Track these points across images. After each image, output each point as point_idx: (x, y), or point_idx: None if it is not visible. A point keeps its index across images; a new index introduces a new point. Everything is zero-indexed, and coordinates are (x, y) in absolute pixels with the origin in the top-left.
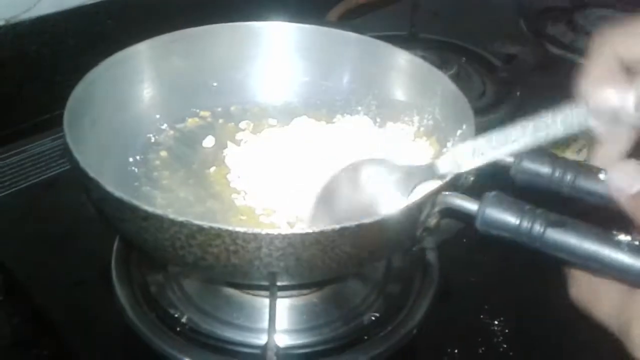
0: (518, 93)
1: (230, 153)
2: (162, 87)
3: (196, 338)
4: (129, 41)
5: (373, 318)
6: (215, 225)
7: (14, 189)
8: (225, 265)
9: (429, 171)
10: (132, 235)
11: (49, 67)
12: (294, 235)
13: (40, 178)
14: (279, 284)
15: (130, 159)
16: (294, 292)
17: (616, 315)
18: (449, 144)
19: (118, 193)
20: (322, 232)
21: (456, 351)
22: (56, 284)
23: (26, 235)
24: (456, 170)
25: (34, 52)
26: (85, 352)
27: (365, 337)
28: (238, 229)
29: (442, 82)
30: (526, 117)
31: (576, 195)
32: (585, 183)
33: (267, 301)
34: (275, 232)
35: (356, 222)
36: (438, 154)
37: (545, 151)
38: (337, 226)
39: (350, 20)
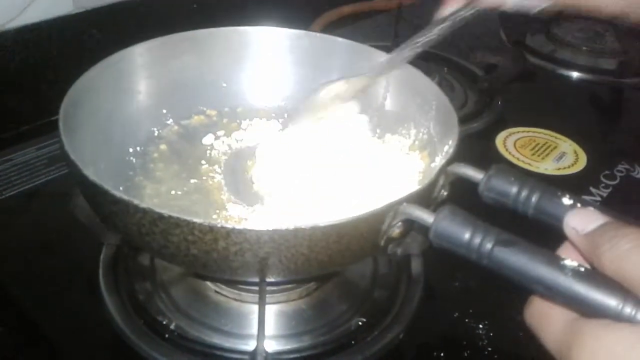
0: (499, 102)
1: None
2: (168, 84)
3: (184, 345)
4: (114, 50)
5: (360, 323)
6: (173, 214)
7: None
8: (186, 255)
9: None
10: (106, 219)
11: (34, 77)
12: (249, 231)
13: (26, 187)
14: (236, 278)
15: (130, 149)
16: (282, 298)
17: (559, 340)
18: (437, 159)
19: (92, 177)
20: (275, 231)
21: (442, 354)
22: (44, 292)
23: (12, 244)
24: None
25: (19, 62)
26: None
27: (353, 342)
28: (195, 220)
29: (437, 96)
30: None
31: (539, 217)
32: (548, 206)
33: (255, 307)
34: (230, 226)
35: (311, 224)
36: (427, 169)
37: (514, 171)
38: (292, 226)
39: (333, 31)
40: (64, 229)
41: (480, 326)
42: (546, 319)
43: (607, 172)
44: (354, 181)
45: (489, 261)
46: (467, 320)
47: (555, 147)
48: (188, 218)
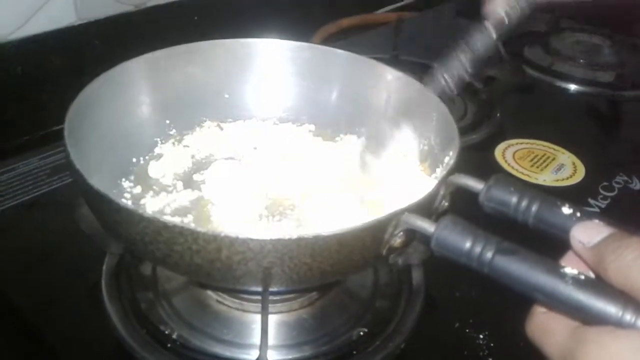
0: (498, 114)
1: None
2: (171, 95)
3: (186, 354)
4: (116, 62)
5: (362, 333)
6: (177, 223)
7: (1, 208)
8: (189, 264)
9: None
10: (109, 228)
11: (36, 87)
12: (252, 240)
13: (28, 197)
14: (240, 288)
15: (134, 160)
16: (284, 308)
17: (562, 350)
18: (438, 170)
19: (97, 186)
20: (279, 240)
21: None
22: (46, 302)
23: (15, 253)
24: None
25: (21, 73)
26: None
27: (354, 352)
28: (199, 229)
29: (438, 109)
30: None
31: (540, 226)
32: (548, 216)
33: (257, 317)
34: (233, 235)
35: (313, 234)
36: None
37: (514, 181)
38: (295, 235)
39: (333, 43)
40: (66, 239)
41: (481, 336)
42: (548, 331)
43: (605, 183)
44: (356, 191)
45: (489, 270)
46: (467, 330)
47: (553, 159)
48: (192, 227)
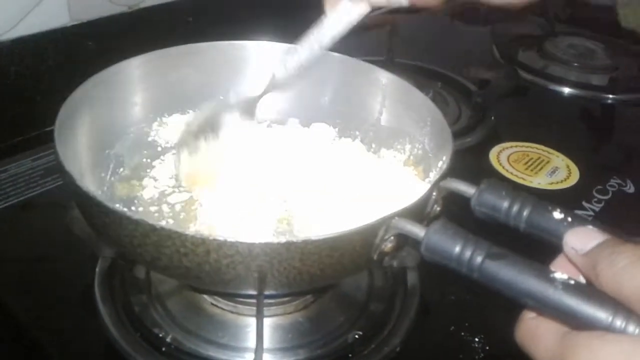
0: (492, 117)
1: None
2: (165, 96)
3: (181, 357)
4: (110, 62)
5: (357, 336)
6: (165, 226)
7: None
8: (178, 267)
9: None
10: (99, 231)
11: (29, 88)
12: (241, 243)
13: (21, 198)
14: (231, 291)
15: (126, 161)
16: (279, 311)
17: (552, 356)
18: (431, 174)
19: (86, 188)
20: (267, 244)
21: None
22: (39, 305)
23: (7, 255)
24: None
25: (14, 73)
26: None
27: (350, 355)
28: (187, 232)
29: (432, 112)
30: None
31: (531, 231)
32: (539, 221)
33: (251, 320)
34: (221, 238)
35: (303, 238)
36: (421, 184)
37: (506, 185)
38: (284, 239)
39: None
40: (59, 241)
41: (476, 339)
42: (537, 337)
43: (599, 186)
44: (349, 195)
45: (479, 274)
46: (463, 333)
47: (548, 162)
48: (180, 230)
